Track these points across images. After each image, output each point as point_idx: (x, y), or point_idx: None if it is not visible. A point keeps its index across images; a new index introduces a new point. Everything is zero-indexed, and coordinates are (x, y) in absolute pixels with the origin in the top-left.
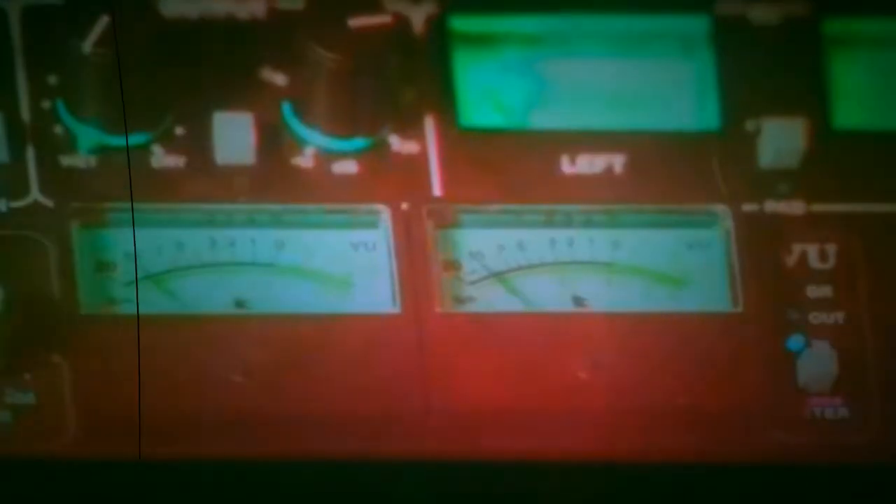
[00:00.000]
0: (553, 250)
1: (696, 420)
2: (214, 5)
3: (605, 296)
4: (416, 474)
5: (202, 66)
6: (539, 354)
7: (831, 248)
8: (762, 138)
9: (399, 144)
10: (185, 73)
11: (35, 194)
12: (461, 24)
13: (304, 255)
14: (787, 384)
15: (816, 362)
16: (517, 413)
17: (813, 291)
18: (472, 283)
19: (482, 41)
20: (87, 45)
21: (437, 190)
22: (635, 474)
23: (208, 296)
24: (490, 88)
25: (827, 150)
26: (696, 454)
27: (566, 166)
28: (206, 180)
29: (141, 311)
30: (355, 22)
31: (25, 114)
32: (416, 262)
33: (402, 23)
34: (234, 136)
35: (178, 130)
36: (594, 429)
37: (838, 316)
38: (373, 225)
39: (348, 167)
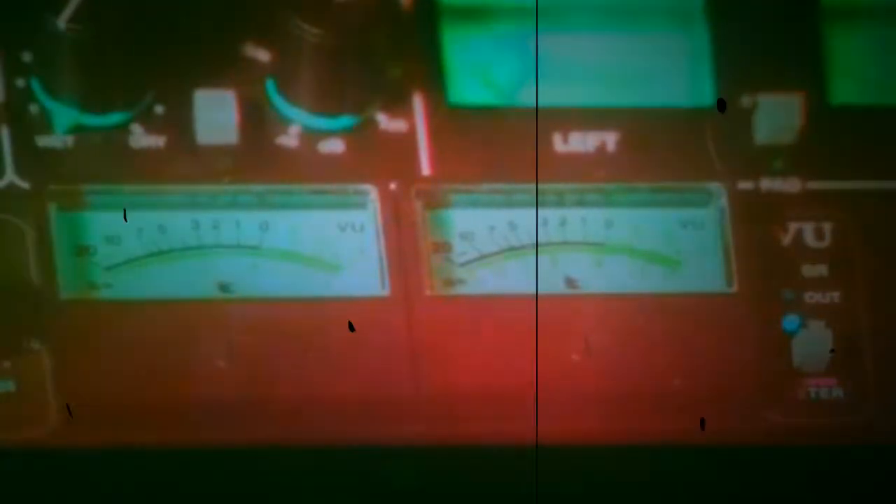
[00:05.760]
0: (545, 231)
1: (691, 401)
2: None
3: (597, 277)
4: (406, 458)
5: (183, 41)
6: (531, 337)
7: (827, 227)
8: (758, 114)
9: (386, 122)
10: (165, 49)
11: (10, 176)
12: None
13: (290, 237)
14: (782, 365)
15: (812, 343)
16: (508, 397)
17: (808, 271)
18: (462, 264)
19: (471, 15)
20: (62, 21)
21: (425, 169)
22: (629, 456)
23: (191, 280)
24: (480, 64)
25: (824, 127)
26: (690, 436)
27: (558, 144)
28: (187, 160)
29: (122, 296)
30: None
31: None
32: (405, 244)
33: None
34: (217, 114)
35: (158, 109)
36: (587, 411)
37: (834, 296)
38: (360, 205)
39: (334, 146)
